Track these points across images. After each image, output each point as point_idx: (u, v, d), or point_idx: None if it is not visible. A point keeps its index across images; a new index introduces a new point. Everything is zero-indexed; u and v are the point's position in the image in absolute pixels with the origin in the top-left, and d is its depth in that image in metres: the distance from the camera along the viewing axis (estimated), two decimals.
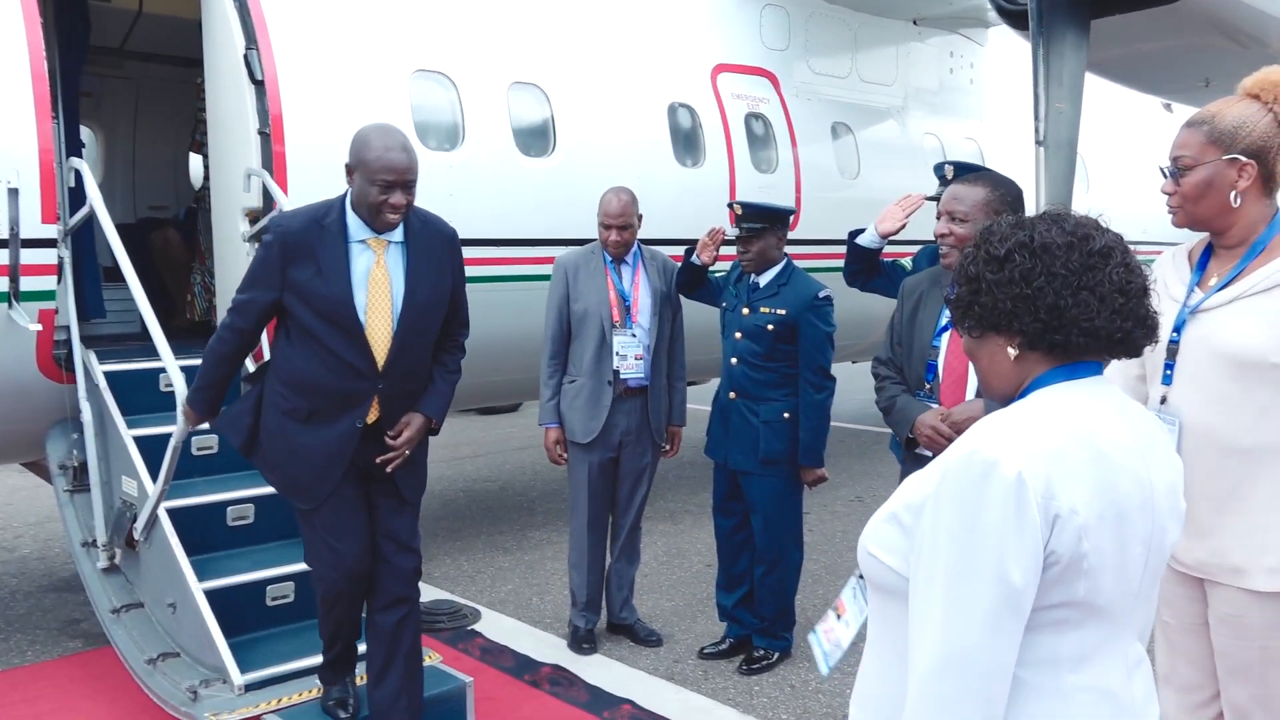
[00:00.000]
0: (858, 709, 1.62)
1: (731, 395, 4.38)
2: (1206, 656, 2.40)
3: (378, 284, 3.08)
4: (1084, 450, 1.41)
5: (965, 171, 3.48)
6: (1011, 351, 1.52)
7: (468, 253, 5.38)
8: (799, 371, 4.25)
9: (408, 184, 3.03)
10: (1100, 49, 3.94)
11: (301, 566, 3.99)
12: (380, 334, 3.11)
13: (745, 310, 4.37)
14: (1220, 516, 2.26)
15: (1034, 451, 1.38)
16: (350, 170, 3.05)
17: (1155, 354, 2.35)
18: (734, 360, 4.37)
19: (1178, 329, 2.34)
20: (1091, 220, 1.54)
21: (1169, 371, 2.34)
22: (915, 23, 7.95)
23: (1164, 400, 2.35)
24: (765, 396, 4.31)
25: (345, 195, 3.13)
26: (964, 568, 1.37)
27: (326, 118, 4.87)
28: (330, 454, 3.15)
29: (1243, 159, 2.22)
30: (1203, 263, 2.38)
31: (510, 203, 5.53)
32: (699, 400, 5.57)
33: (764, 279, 4.36)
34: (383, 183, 2.97)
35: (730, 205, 4.55)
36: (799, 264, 4.54)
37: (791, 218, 4.58)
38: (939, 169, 3.58)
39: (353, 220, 3.09)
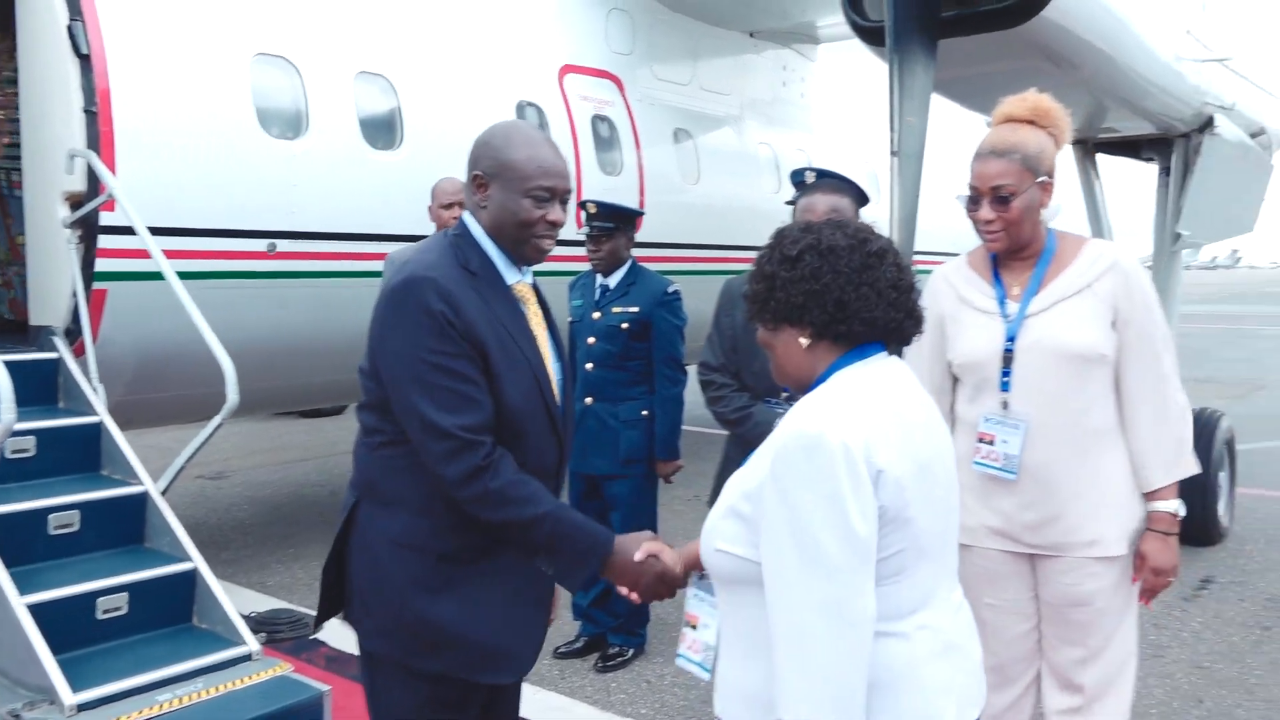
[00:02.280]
0: (724, 707, 1.70)
1: (588, 400, 4.40)
2: (1022, 636, 2.63)
3: (542, 345, 2.21)
4: (888, 414, 1.61)
5: (826, 178, 3.61)
6: (804, 341, 1.69)
7: (305, 247, 5.23)
8: (654, 368, 4.32)
9: (567, 195, 2.19)
10: (943, 68, 4.20)
11: (136, 575, 3.74)
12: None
13: (596, 314, 4.40)
14: (1073, 500, 2.48)
15: (849, 421, 1.55)
16: (484, 181, 2.13)
17: (977, 368, 2.54)
18: (589, 365, 4.40)
19: (1011, 338, 2.50)
20: (867, 226, 1.73)
21: (1006, 379, 2.51)
22: (752, 35, 8.21)
23: (1005, 405, 2.51)
24: (624, 396, 4.35)
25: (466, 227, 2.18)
26: (812, 531, 1.50)
27: (161, 97, 4.58)
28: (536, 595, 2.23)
29: (1047, 180, 2.47)
30: (995, 275, 2.59)
31: (355, 196, 5.35)
32: None
33: (612, 280, 4.42)
34: (542, 192, 2.11)
35: (582, 204, 4.57)
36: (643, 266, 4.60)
37: (639, 220, 4.64)
38: (798, 175, 3.69)
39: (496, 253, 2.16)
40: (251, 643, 3.70)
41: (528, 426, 2.10)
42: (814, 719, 1.48)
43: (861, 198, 3.66)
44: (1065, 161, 6.86)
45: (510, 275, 2.16)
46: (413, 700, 2.11)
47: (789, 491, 1.53)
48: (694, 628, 1.89)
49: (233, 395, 3.98)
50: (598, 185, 6.77)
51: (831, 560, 1.49)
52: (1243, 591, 5.52)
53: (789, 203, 3.82)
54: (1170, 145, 5.76)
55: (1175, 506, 2.55)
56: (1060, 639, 2.59)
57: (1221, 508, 6.46)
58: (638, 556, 2.06)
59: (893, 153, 3.43)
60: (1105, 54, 4.11)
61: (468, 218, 2.18)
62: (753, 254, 1.80)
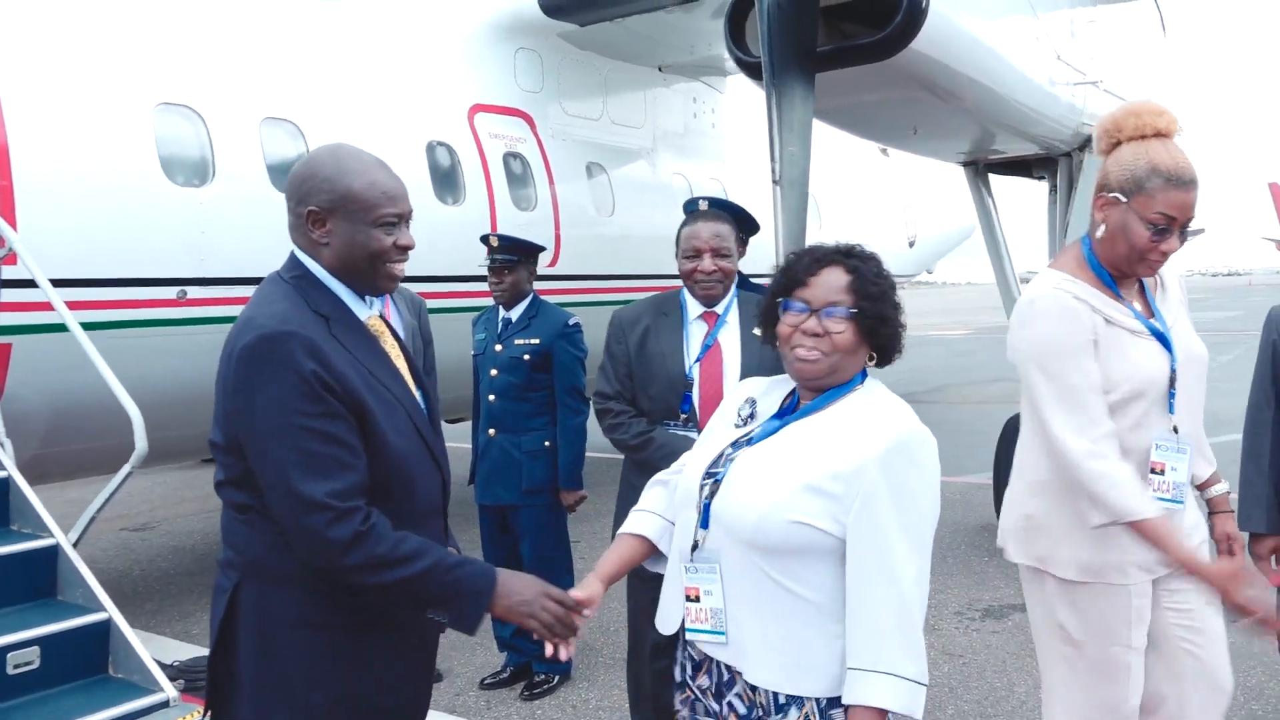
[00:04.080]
0: (759, 660, 1.88)
1: (491, 432, 4.49)
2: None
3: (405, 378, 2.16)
4: None
5: (717, 207, 3.77)
6: (867, 358, 2.00)
7: (220, 292, 5.25)
8: (556, 399, 4.42)
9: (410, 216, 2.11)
10: (825, 99, 4.41)
11: (48, 629, 3.72)
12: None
13: (499, 347, 4.50)
14: None
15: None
16: (321, 217, 2.01)
17: (1146, 392, 2.38)
18: (492, 397, 4.49)
19: (1173, 355, 2.42)
20: None
21: (1172, 400, 2.41)
22: (660, 69, 8.42)
23: (1175, 430, 2.42)
24: (527, 428, 4.45)
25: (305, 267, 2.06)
26: (919, 514, 1.84)
27: (61, 149, 4.59)
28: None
29: None
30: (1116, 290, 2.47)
31: (266, 240, 5.38)
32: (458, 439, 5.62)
33: (515, 313, 4.53)
34: (390, 219, 2.03)
35: (484, 238, 4.67)
36: (559, 298, 4.70)
37: (541, 254, 4.75)
38: (691, 204, 3.83)
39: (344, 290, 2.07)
40: (169, 689, 3.68)
41: (414, 468, 2.03)
42: (918, 674, 1.78)
43: (752, 225, 3.82)
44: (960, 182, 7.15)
45: (362, 311, 2.06)
46: None
47: (905, 482, 1.82)
48: (696, 600, 1.97)
49: (141, 443, 3.99)
50: (512, 221, 6.88)
51: (926, 539, 1.84)
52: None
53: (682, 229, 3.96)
54: (1056, 164, 6.07)
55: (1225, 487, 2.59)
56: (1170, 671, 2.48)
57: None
58: (518, 576, 2.05)
59: (775, 181, 3.60)
60: (979, 83, 4.35)
61: (302, 256, 2.03)
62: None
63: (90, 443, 4.94)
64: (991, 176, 6.55)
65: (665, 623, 2.09)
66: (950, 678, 4.53)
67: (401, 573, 1.91)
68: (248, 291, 5.33)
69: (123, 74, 4.98)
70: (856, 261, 1.97)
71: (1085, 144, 5.66)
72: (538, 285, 4.72)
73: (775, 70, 3.64)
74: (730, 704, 1.96)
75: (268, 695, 1.97)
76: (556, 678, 4.60)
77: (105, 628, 3.85)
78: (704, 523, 1.96)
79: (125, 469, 4.03)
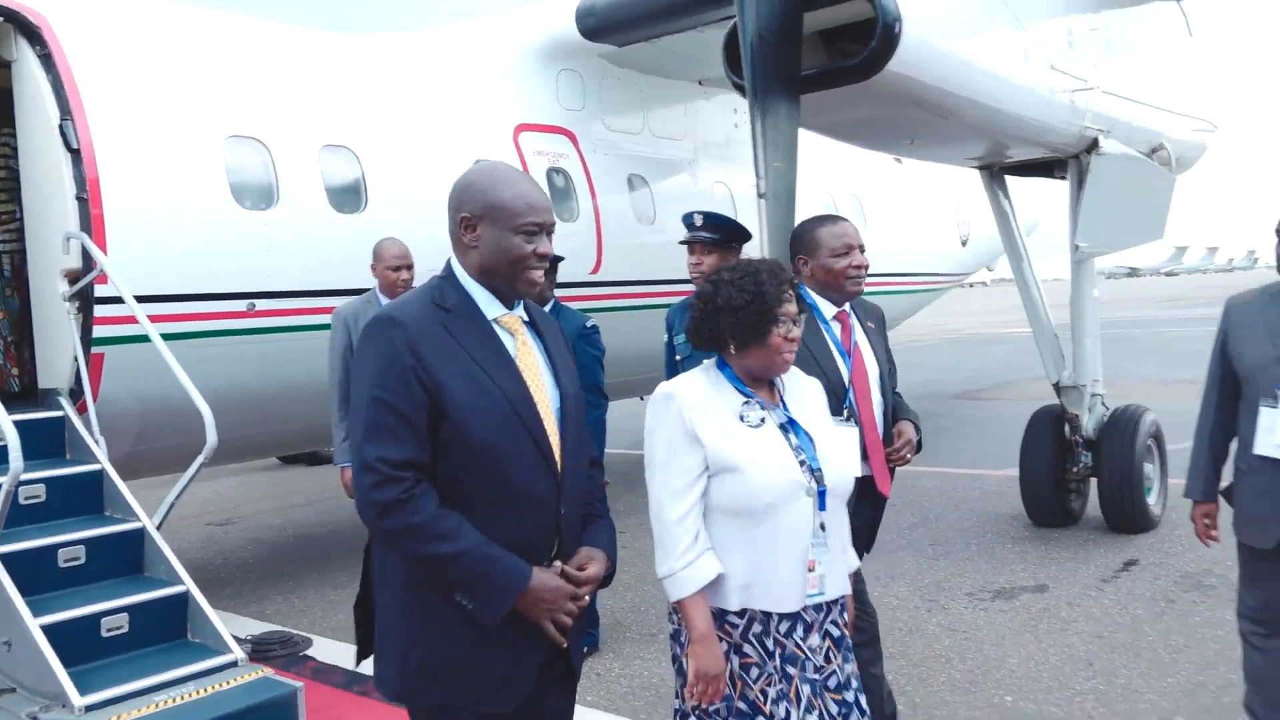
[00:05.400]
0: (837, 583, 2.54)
1: None
2: None
3: (531, 372, 2.25)
4: None
5: (713, 220, 4.19)
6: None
7: (285, 304, 5.82)
8: None
9: (552, 228, 2.29)
10: (820, 116, 4.77)
11: (135, 599, 4.29)
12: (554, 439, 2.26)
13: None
14: None
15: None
16: (472, 223, 2.21)
17: None
18: None
19: None
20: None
21: None
22: (700, 83, 8.80)
23: None
24: None
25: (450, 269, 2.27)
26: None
27: (143, 182, 5.20)
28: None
29: None
30: None
31: (325, 256, 5.95)
32: None
33: None
34: (531, 227, 2.20)
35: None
36: (602, 304, 5.08)
37: (560, 264, 5.18)
38: (688, 218, 4.26)
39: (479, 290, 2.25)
40: (237, 651, 4.23)
41: (505, 456, 2.11)
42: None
43: (743, 236, 4.23)
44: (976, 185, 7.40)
45: (492, 310, 2.22)
46: None
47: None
48: (812, 570, 2.44)
49: (211, 437, 4.54)
50: (555, 231, 7.34)
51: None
52: (1159, 571, 5.97)
53: (682, 242, 4.39)
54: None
55: None
56: None
57: (1152, 498, 6.92)
58: (552, 580, 2.15)
59: (760, 195, 3.97)
60: (963, 96, 4.66)
61: (453, 260, 2.26)
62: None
63: (175, 440, 5.52)
64: (1014, 179, 6.80)
65: (790, 601, 2.42)
66: (949, 650, 4.85)
67: (433, 549, 2.04)
68: (311, 303, 6.01)
69: (195, 111, 5.58)
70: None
71: (1092, 146, 5.90)
72: (582, 291, 5.15)
73: (758, 93, 4.02)
74: (828, 633, 2.51)
75: (383, 647, 2.22)
76: (585, 648, 5.02)
77: (184, 599, 4.42)
78: (822, 505, 2.43)
79: (199, 459, 4.59)
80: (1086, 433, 6.89)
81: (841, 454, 2.57)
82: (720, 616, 2.43)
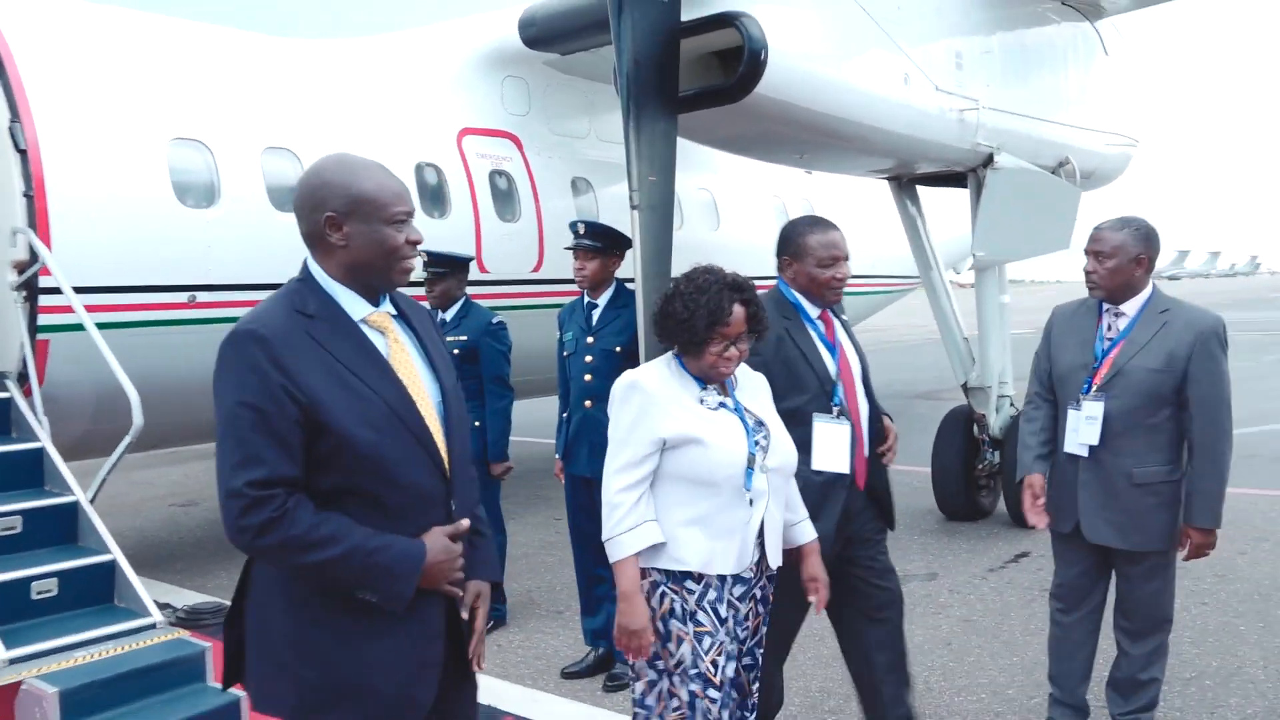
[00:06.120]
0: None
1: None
2: None
3: (406, 370, 2.20)
4: None
5: (593, 228, 4.58)
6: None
7: (222, 297, 6.19)
8: (484, 386, 5.23)
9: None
10: (707, 132, 5.15)
11: (64, 565, 4.67)
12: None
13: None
14: None
15: None
16: (338, 221, 2.14)
17: None
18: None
19: None
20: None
21: None
22: None
23: None
24: None
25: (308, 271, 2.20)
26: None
27: (88, 180, 5.59)
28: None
29: None
30: None
31: (266, 252, 6.32)
32: None
33: (449, 314, 5.35)
34: (401, 216, 2.17)
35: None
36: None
37: (471, 263, 5.54)
38: (573, 226, 4.65)
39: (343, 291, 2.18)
40: (156, 615, 4.61)
41: (391, 461, 2.06)
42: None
43: (623, 244, 4.61)
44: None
45: (357, 310, 2.14)
46: None
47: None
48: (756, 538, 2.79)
49: (137, 419, 4.93)
50: (496, 232, 7.74)
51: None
52: (1045, 563, 6.33)
53: (567, 248, 4.78)
54: None
55: None
56: None
57: None
58: (441, 543, 2.12)
59: (633, 207, 4.35)
60: (840, 117, 5.03)
61: (310, 262, 2.17)
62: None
63: (120, 422, 5.92)
64: (919, 189, 7.18)
65: (737, 564, 2.71)
66: (825, 629, 5.23)
67: (319, 555, 1.99)
68: (249, 296, 6.40)
69: (141, 114, 5.96)
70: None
71: (987, 161, 6.28)
72: (523, 289, 5.50)
73: (633, 112, 4.40)
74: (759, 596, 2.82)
75: (267, 667, 2.11)
76: (490, 623, 5.38)
77: (111, 567, 4.80)
78: (749, 483, 2.72)
79: (125, 440, 4.98)
80: (993, 432, 7.27)
81: (826, 451, 3.15)
82: (680, 579, 2.70)
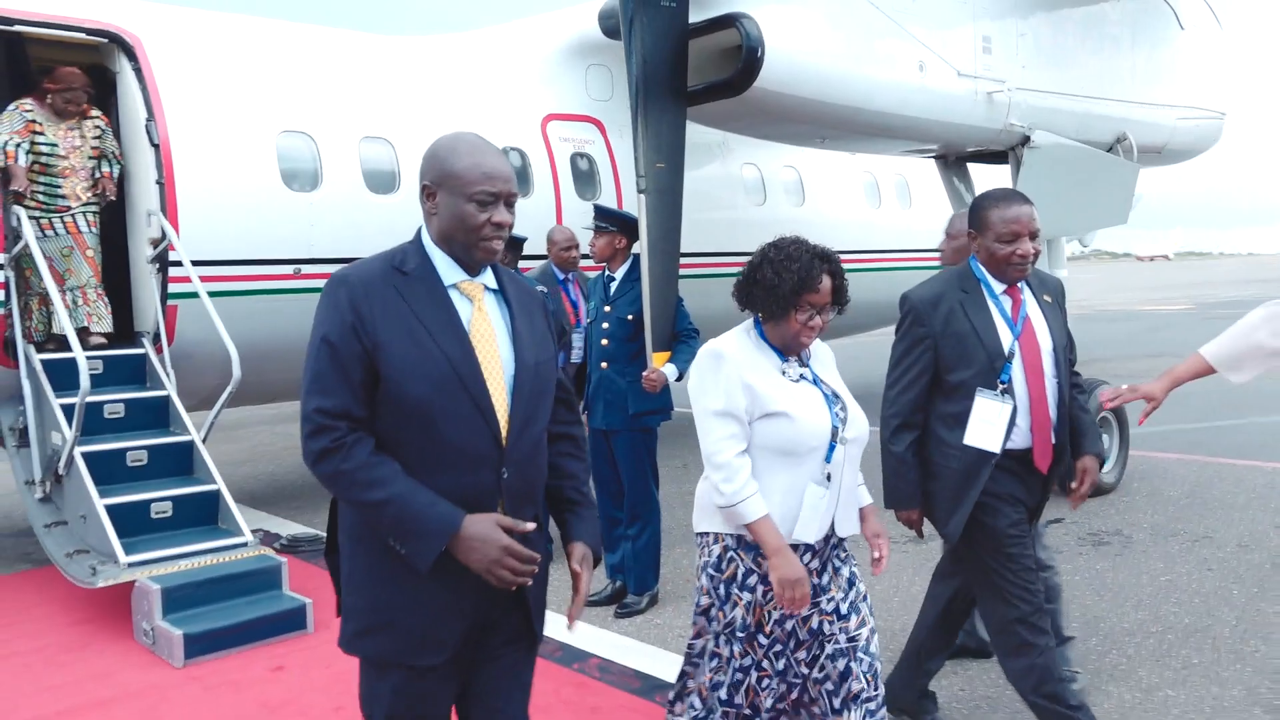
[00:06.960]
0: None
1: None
2: None
3: (484, 338, 2.26)
4: None
5: (603, 212, 5.16)
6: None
7: (324, 269, 7.09)
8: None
9: (511, 198, 2.27)
10: (729, 122, 5.61)
11: (177, 491, 5.65)
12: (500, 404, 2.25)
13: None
14: None
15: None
16: (431, 191, 2.25)
17: None
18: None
19: None
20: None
21: None
22: None
23: None
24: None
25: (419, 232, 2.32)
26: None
27: (208, 170, 6.56)
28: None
29: None
30: None
31: (361, 229, 7.19)
32: None
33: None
34: (483, 196, 2.21)
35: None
36: None
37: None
38: (594, 210, 5.26)
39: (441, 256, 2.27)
40: (248, 535, 5.54)
41: (440, 415, 2.14)
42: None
43: (630, 225, 5.17)
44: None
45: (451, 276, 2.23)
46: (372, 690, 2.27)
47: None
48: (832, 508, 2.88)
49: (236, 372, 5.84)
50: (576, 208, 8.40)
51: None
52: (1066, 528, 6.53)
53: (585, 228, 5.38)
54: None
55: None
56: None
57: (1107, 465, 7.45)
58: (483, 527, 2.14)
59: (640, 191, 4.88)
60: (848, 106, 5.40)
61: (422, 224, 2.31)
62: (735, 259, 2.90)
63: (249, 377, 6.89)
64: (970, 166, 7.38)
65: (813, 533, 2.77)
66: None
67: (363, 495, 2.11)
68: None
69: (253, 109, 6.89)
70: None
71: (1024, 141, 6.48)
72: None
73: (642, 105, 4.92)
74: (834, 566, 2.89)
75: (345, 596, 2.28)
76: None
77: (216, 495, 5.75)
78: (830, 456, 2.79)
79: (227, 390, 5.90)
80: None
81: (980, 427, 3.07)
82: (752, 547, 2.79)
